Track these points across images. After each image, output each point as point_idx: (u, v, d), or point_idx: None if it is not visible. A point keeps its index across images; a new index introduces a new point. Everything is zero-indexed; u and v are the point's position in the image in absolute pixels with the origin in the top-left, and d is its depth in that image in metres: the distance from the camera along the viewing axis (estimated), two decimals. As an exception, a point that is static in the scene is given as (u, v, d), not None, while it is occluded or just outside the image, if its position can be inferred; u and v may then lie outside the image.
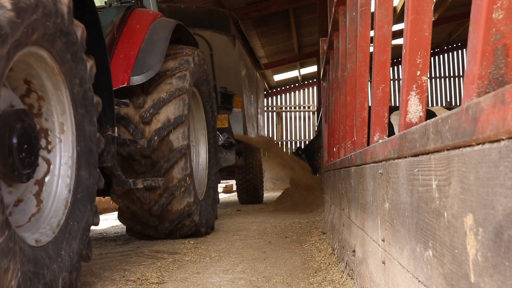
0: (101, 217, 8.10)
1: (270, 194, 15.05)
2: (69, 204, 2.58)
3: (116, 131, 3.52)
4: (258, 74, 14.10)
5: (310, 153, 13.18)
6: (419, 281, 1.23)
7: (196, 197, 4.87)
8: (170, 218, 4.66)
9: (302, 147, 15.06)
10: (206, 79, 5.54)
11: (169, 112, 4.59)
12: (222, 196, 15.87)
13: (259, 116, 13.42)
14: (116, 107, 3.78)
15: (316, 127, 18.89)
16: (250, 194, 10.47)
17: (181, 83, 4.75)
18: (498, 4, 0.85)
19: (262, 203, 10.61)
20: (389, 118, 2.33)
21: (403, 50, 1.55)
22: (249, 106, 11.53)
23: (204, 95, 5.61)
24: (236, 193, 11.30)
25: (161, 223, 4.69)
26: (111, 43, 4.55)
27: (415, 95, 1.53)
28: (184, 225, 4.75)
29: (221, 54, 9.72)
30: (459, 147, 0.92)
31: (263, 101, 15.12)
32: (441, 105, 22.76)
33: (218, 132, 8.49)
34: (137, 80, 4.40)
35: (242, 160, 9.98)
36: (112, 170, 4.00)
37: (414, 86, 1.52)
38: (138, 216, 4.70)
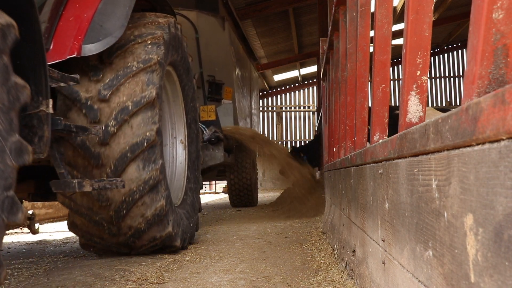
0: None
1: (270, 194, 15.05)
2: None
3: (50, 106, 2.59)
4: (252, 66, 12.69)
5: (312, 155, 12.84)
6: (419, 281, 1.23)
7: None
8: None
9: (298, 146, 14.50)
10: (184, 56, 4.55)
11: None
12: (222, 196, 15.88)
13: (253, 114, 12.08)
14: (62, 84, 3.06)
15: (316, 127, 18.87)
16: (242, 197, 9.40)
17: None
18: (498, 4, 0.85)
19: (263, 205, 10.44)
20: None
21: (403, 50, 1.55)
22: (241, 98, 10.23)
23: (182, 77, 4.63)
24: None
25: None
26: (59, 2, 3.55)
27: (415, 95, 1.53)
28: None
29: (208, 37, 8.66)
30: (459, 147, 0.92)
31: (258, 97, 13.33)
32: (441, 105, 22.77)
33: (203, 126, 7.64)
34: (91, 49, 3.43)
35: (232, 158, 8.85)
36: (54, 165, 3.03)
37: (414, 86, 1.52)
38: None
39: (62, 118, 2.87)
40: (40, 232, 6.22)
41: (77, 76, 3.15)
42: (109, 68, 3.63)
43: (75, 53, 3.36)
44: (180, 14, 7.65)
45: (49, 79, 2.71)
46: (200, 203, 5.09)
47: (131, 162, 3.50)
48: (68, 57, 3.35)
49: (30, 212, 4.78)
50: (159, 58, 3.73)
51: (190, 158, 4.85)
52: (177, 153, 4.80)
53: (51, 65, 3.22)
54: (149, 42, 3.77)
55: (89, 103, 3.52)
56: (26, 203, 6.11)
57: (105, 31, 3.53)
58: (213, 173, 9.61)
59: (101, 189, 3.15)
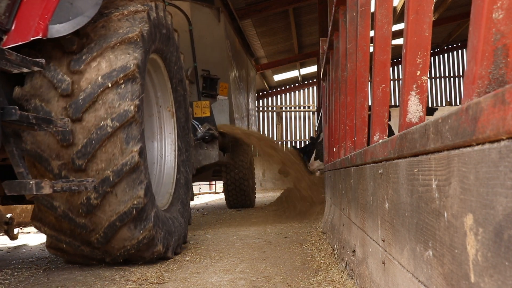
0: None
1: (270, 194, 15.05)
2: None
3: None
4: (250, 62, 11.99)
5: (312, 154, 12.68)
6: (419, 281, 1.23)
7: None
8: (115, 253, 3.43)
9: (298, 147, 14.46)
10: (163, 32, 3.98)
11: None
12: (222, 196, 15.87)
13: (250, 115, 11.52)
14: (25, 69, 2.70)
15: (316, 127, 18.87)
16: (239, 197, 8.97)
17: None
18: (498, 4, 0.85)
19: (263, 205, 10.41)
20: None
21: (403, 50, 1.55)
22: (238, 95, 9.69)
23: (162, 51, 4.09)
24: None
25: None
26: None
27: (415, 95, 1.53)
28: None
29: (202, 30, 8.17)
30: (459, 147, 0.92)
31: (255, 94, 12.74)
32: (440, 105, 22.76)
33: (197, 122, 7.24)
34: (59, 30, 3.01)
35: (228, 157, 8.46)
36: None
37: (414, 86, 1.52)
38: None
39: (17, 107, 2.46)
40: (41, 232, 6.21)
41: (43, 60, 2.75)
42: (80, 127, 3.10)
43: (40, 35, 2.95)
44: (173, 5, 7.29)
45: (8, 62, 2.47)
46: (193, 166, 4.77)
47: (121, 227, 3.24)
48: (32, 38, 2.94)
49: (8, 216, 4.66)
50: (136, 109, 3.21)
51: (179, 125, 4.51)
52: (165, 122, 4.48)
53: (11, 48, 2.90)
54: (121, 82, 3.21)
55: (62, 173, 3.10)
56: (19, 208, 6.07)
57: (76, 10, 3.10)
58: (208, 173, 9.24)
59: (65, 190, 2.75)
